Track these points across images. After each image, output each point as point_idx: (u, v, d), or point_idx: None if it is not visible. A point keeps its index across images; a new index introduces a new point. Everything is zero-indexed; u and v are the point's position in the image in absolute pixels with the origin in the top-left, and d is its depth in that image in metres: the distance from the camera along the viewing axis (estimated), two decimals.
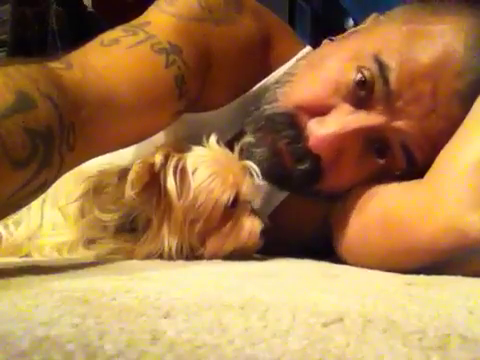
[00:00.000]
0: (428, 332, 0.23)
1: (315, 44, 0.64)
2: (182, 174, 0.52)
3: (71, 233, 0.54)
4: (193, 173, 0.53)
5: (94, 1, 1.77)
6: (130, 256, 0.52)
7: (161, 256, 0.52)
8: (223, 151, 0.57)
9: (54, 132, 0.37)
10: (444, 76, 0.49)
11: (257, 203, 0.59)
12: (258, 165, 0.56)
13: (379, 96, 0.51)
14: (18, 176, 0.34)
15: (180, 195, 0.52)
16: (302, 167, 0.54)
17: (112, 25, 0.53)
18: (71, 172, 0.44)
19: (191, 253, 0.54)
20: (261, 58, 0.63)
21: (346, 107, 0.53)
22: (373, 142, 0.53)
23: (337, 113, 0.53)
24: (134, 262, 0.51)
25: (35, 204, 0.54)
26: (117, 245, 0.53)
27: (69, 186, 0.55)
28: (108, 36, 0.51)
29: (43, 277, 0.35)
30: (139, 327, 0.21)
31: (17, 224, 0.54)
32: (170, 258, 0.52)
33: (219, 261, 0.53)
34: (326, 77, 0.54)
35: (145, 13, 0.57)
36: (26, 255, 0.54)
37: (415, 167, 0.52)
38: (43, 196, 0.50)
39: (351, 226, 0.54)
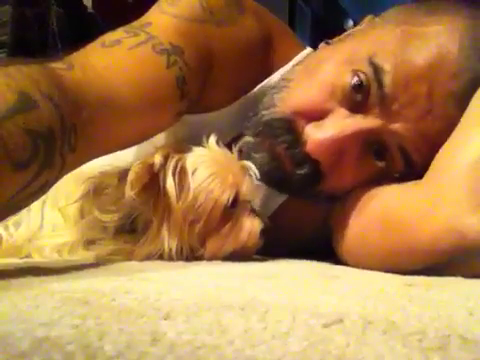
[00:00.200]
0: (428, 333, 0.23)
1: (315, 45, 0.64)
2: (182, 175, 0.52)
3: (71, 234, 0.54)
4: (193, 174, 0.53)
5: (94, 2, 1.77)
6: (130, 257, 0.52)
7: (161, 257, 0.52)
8: (223, 152, 0.57)
9: (55, 133, 0.37)
10: (439, 77, 0.49)
11: (257, 203, 0.59)
12: (258, 169, 0.56)
13: (375, 99, 0.51)
14: (19, 177, 0.34)
15: (180, 196, 0.52)
16: (301, 171, 0.54)
17: (112, 26, 0.53)
18: (71, 173, 0.44)
19: (191, 254, 0.54)
20: (262, 59, 0.63)
21: (342, 111, 0.53)
22: (371, 144, 0.53)
23: (334, 117, 0.53)
24: (134, 263, 0.51)
25: (35, 205, 0.53)
26: (117, 246, 0.53)
27: (69, 187, 0.55)
28: (109, 37, 0.51)
29: (43, 278, 0.35)
30: (139, 328, 0.21)
31: (17, 225, 0.54)
32: (170, 259, 0.52)
33: (219, 262, 0.53)
34: (322, 81, 0.54)
35: (146, 14, 0.57)
36: (26, 256, 0.53)
37: (413, 169, 0.52)
38: (43, 197, 0.50)
39: (351, 227, 0.54)
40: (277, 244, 0.58)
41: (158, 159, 0.51)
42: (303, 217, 0.65)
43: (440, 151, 0.49)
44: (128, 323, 0.22)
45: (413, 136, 0.51)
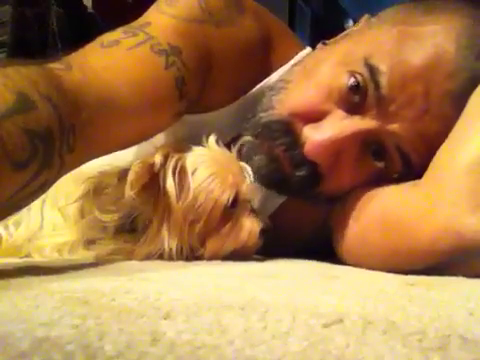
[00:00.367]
0: (428, 333, 0.23)
1: (315, 45, 0.64)
2: (182, 174, 0.52)
3: (71, 234, 0.54)
4: (193, 173, 0.53)
5: (94, 2, 1.77)
6: (130, 257, 0.52)
7: (161, 257, 0.52)
8: (222, 151, 0.57)
9: (54, 133, 0.37)
10: (436, 77, 0.49)
11: (256, 203, 0.59)
12: (256, 171, 0.56)
13: (372, 100, 0.51)
14: (18, 177, 0.34)
15: (180, 195, 0.52)
16: (300, 173, 0.54)
17: (112, 26, 0.53)
18: (71, 173, 0.44)
19: (191, 254, 0.54)
20: (261, 59, 0.63)
21: (340, 112, 0.53)
22: (369, 145, 0.53)
23: (332, 118, 0.53)
24: (134, 263, 0.51)
25: (35, 205, 0.54)
26: (117, 246, 0.53)
27: (69, 187, 0.55)
28: (108, 37, 0.51)
29: (43, 278, 0.35)
30: (139, 328, 0.21)
31: (17, 225, 0.55)
32: (170, 259, 0.52)
33: (219, 262, 0.53)
34: (319, 83, 0.54)
35: (145, 14, 0.57)
36: (26, 256, 0.54)
37: (412, 169, 0.52)
38: (43, 197, 0.50)
39: (351, 227, 0.54)
40: (277, 244, 0.58)
41: (158, 159, 0.51)
42: (303, 217, 0.65)
43: (439, 151, 0.49)
44: (128, 323, 0.22)
45: (411, 136, 0.51)
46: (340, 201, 0.57)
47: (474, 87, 0.48)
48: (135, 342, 0.19)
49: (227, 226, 0.55)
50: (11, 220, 0.54)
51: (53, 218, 0.55)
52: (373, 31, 0.55)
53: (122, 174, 0.53)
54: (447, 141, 0.49)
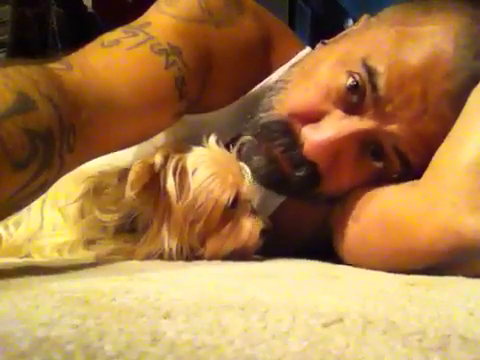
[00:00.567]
0: (428, 333, 0.23)
1: (315, 45, 0.64)
2: (182, 174, 0.52)
3: (71, 234, 0.54)
4: (193, 173, 0.53)
5: (94, 2, 1.77)
6: (130, 257, 0.52)
7: (161, 257, 0.52)
8: (223, 151, 0.57)
9: (54, 133, 0.37)
10: (433, 77, 0.49)
11: (256, 203, 0.59)
12: (256, 171, 0.56)
13: (369, 101, 0.51)
14: (18, 177, 0.34)
15: (180, 195, 0.52)
16: (299, 174, 0.54)
17: (112, 26, 0.53)
18: (71, 173, 0.44)
19: (191, 254, 0.54)
20: (261, 59, 0.63)
21: (338, 112, 0.53)
22: (368, 145, 0.53)
23: (330, 119, 0.53)
24: (134, 263, 0.51)
25: (35, 205, 0.54)
26: (117, 246, 0.53)
27: (69, 186, 0.55)
28: (108, 37, 0.51)
29: (43, 278, 0.35)
30: (139, 328, 0.21)
31: (17, 225, 0.54)
32: (170, 259, 0.52)
33: (219, 262, 0.53)
34: (317, 83, 0.54)
35: (145, 14, 0.57)
36: (26, 256, 0.53)
37: (410, 169, 0.52)
38: (43, 196, 0.50)
39: (351, 227, 0.54)
40: (277, 244, 0.58)
41: (158, 159, 0.51)
42: (303, 217, 0.65)
43: (438, 151, 0.49)
44: (128, 323, 0.22)
45: (408, 137, 0.51)
46: (340, 201, 0.57)
47: (473, 86, 0.48)
48: (135, 342, 0.19)
49: (227, 226, 0.55)
50: (11, 220, 0.54)
51: (53, 218, 0.55)
52: (371, 31, 0.55)
53: (122, 174, 0.53)
54: (446, 141, 0.49)
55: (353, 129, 0.52)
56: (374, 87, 0.50)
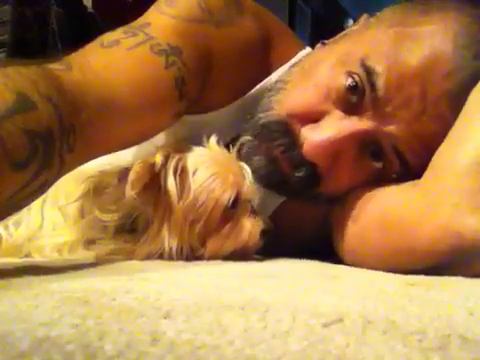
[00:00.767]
0: (428, 333, 0.23)
1: (315, 45, 0.64)
2: (182, 174, 0.52)
3: (71, 233, 0.54)
4: (193, 173, 0.53)
5: (94, 2, 1.77)
6: (130, 257, 0.52)
7: (161, 257, 0.52)
8: (223, 152, 0.57)
9: (54, 134, 0.37)
10: (432, 77, 0.49)
11: (256, 203, 0.59)
12: (256, 172, 0.56)
13: (368, 101, 0.51)
14: (18, 177, 0.34)
15: (180, 195, 0.52)
16: (299, 174, 0.54)
17: (112, 26, 0.53)
18: (71, 172, 0.44)
19: (191, 254, 0.54)
20: (261, 59, 0.63)
21: (338, 113, 0.53)
22: (367, 145, 0.53)
23: (330, 119, 0.53)
24: (134, 263, 0.51)
25: (35, 205, 0.54)
26: (117, 245, 0.53)
27: (69, 186, 0.55)
28: (108, 37, 0.51)
29: (43, 278, 0.35)
30: (139, 328, 0.21)
31: (17, 225, 0.54)
32: (170, 259, 0.52)
33: (219, 262, 0.53)
34: (317, 83, 0.54)
35: (145, 14, 0.57)
36: (26, 256, 0.53)
37: (409, 169, 0.52)
38: (43, 196, 0.50)
39: (351, 227, 0.54)
40: (277, 244, 0.58)
41: (159, 159, 0.51)
42: (303, 217, 0.65)
43: (438, 151, 0.49)
44: (128, 323, 0.22)
45: (408, 137, 0.51)
46: (340, 201, 0.57)
47: (473, 86, 0.48)
48: (135, 342, 0.19)
49: (227, 226, 0.55)
50: (11, 220, 0.54)
51: (53, 218, 0.55)
52: (370, 31, 0.55)
53: (123, 174, 0.53)
54: (446, 141, 0.48)
55: (352, 129, 0.52)
56: (373, 87, 0.50)
